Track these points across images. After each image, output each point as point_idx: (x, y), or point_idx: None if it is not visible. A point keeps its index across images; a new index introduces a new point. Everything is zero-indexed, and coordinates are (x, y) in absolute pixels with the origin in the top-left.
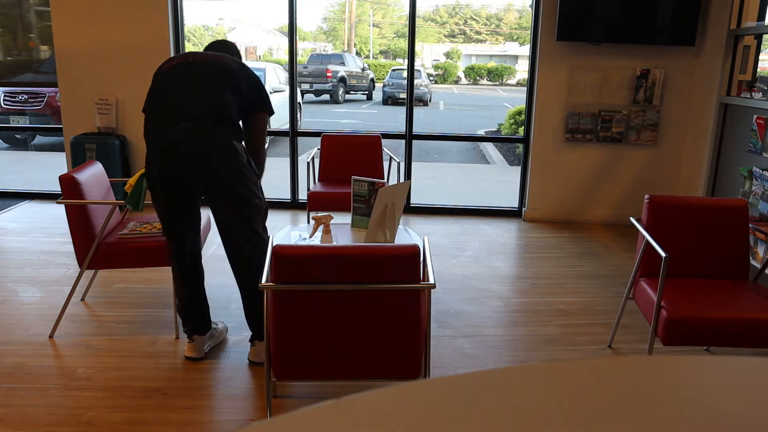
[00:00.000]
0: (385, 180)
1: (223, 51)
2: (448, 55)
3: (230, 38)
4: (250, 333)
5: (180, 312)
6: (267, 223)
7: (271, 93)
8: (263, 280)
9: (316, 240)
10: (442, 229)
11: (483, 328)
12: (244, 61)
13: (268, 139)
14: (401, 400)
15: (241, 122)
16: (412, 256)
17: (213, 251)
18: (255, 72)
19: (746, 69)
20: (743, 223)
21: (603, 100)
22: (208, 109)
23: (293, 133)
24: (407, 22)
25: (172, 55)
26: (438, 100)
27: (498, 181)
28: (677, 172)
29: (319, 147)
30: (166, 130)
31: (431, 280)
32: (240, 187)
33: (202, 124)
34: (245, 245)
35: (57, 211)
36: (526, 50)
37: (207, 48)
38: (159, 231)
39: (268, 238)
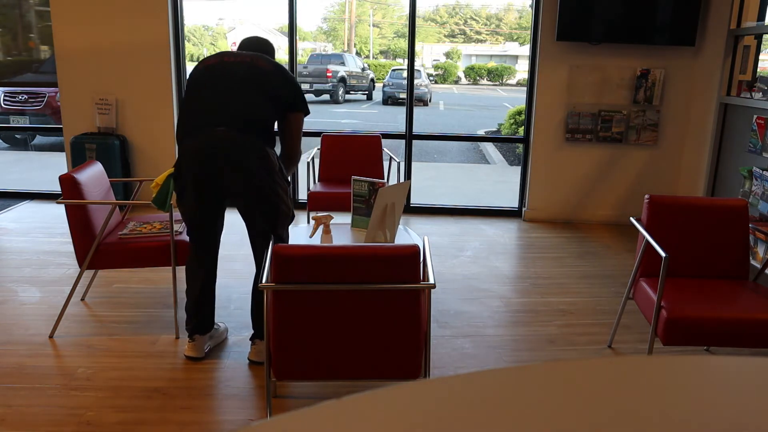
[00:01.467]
0: (385, 180)
1: (258, 50)
2: (448, 55)
3: (230, 38)
4: (251, 332)
5: (187, 309)
6: None
7: None
8: (263, 280)
9: (316, 240)
10: (442, 229)
11: (483, 328)
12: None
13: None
14: (401, 400)
15: (276, 123)
16: (412, 256)
17: None
18: (290, 75)
19: (746, 69)
20: (743, 223)
21: (603, 100)
22: (242, 115)
23: None
24: (407, 22)
25: (172, 55)
26: (438, 100)
27: (498, 181)
28: (677, 172)
29: (319, 147)
30: (202, 135)
31: (431, 280)
32: (270, 192)
33: (236, 130)
34: (265, 248)
35: (57, 211)
36: (526, 50)
37: (241, 45)
38: (159, 231)
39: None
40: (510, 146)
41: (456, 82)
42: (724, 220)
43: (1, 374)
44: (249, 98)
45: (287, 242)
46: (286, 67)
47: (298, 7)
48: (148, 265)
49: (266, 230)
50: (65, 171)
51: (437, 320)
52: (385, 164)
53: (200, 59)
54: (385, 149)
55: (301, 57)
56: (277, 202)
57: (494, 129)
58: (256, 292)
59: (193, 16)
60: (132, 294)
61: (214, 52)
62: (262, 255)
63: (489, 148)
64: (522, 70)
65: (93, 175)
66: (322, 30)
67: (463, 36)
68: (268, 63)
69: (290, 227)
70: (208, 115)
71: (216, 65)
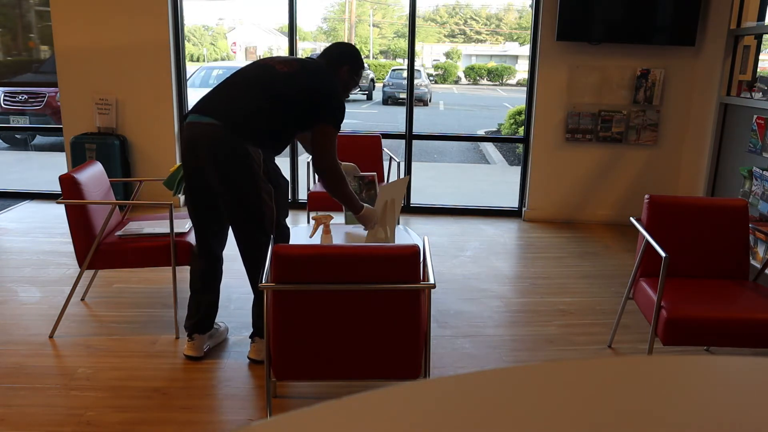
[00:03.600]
0: (385, 179)
1: (329, 56)
2: (448, 55)
3: (230, 38)
4: (251, 331)
5: (189, 304)
6: None
7: None
8: (263, 280)
9: (317, 240)
10: (442, 229)
11: (483, 328)
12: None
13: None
14: (401, 400)
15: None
16: (412, 256)
17: None
18: (324, 82)
19: (746, 69)
20: (743, 223)
21: (603, 100)
22: (232, 111)
23: None
24: (407, 22)
25: (171, 54)
26: (438, 100)
27: (498, 181)
28: (677, 172)
29: None
30: (189, 126)
31: (431, 280)
32: (248, 191)
33: (220, 124)
34: (253, 247)
35: (57, 211)
36: (526, 50)
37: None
38: (158, 232)
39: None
40: (510, 146)
41: (456, 82)
42: (724, 220)
43: (1, 374)
44: (248, 101)
45: (267, 251)
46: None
47: (298, 7)
48: (148, 265)
49: (251, 232)
50: (65, 171)
51: (437, 320)
52: (385, 164)
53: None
54: (385, 149)
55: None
56: (259, 204)
57: (494, 129)
58: (255, 291)
59: (193, 16)
60: (132, 294)
61: (215, 53)
62: (250, 258)
63: (489, 148)
64: (522, 70)
65: (93, 175)
66: (322, 30)
67: (463, 36)
68: (290, 67)
69: (290, 227)
70: (200, 109)
71: (250, 64)
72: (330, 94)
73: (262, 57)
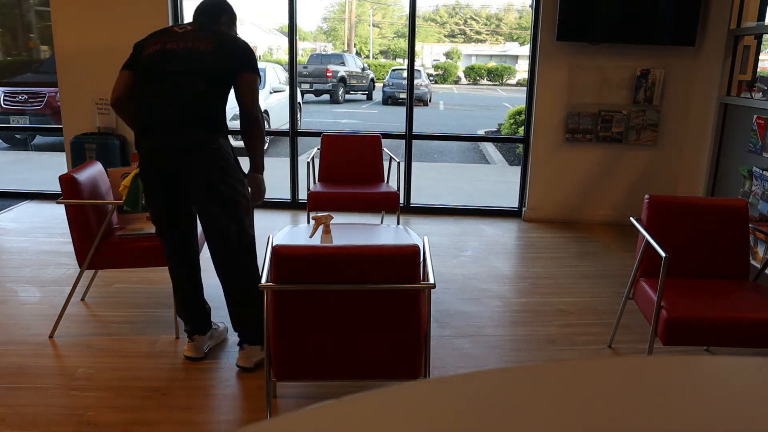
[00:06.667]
0: (385, 179)
1: (211, 14)
2: (448, 55)
3: None
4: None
5: (180, 314)
6: (268, 224)
7: (271, 93)
8: (263, 280)
9: (317, 240)
10: (442, 229)
11: (483, 328)
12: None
13: (268, 139)
14: (401, 400)
15: (217, 101)
16: (412, 256)
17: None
18: (243, 42)
19: (746, 69)
20: (743, 223)
21: (603, 100)
22: (188, 109)
23: (293, 133)
24: (407, 22)
25: None
26: (438, 100)
27: (498, 181)
28: (677, 172)
29: (319, 147)
30: (150, 138)
31: (431, 280)
32: (224, 186)
33: (181, 129)
34: (235, 246)
35: (57, 211)
36: (526, 50)
37: (195, 12)
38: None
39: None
40: (510, 146)
41: (456, 82)
42: (724, 220)
43: (1, 374)
44: (194, 88)
45: (253, 232)
46: (286, 67)
47: (298, 7)
48: (148, 265)
49: (230, 229)
50: (65, 171)
51: (437, 320)
52: (385, 164)
53: (141, 42)
54: (385, 149)
55: (301, 57)
56: (234, 195)
57: (494, 129)
58: (233, 298)
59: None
60: (132, 294)
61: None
62: (228, 260)
63: (489, 148)
64: (522, 70)
65: (93, 175)
66: (322, 30)
67: (463, 36)
68: (209, 42)
69: (290, 227)
70: (155, 112)
71: (159, 53)
72: (246, 50)
73: (160, 35)
